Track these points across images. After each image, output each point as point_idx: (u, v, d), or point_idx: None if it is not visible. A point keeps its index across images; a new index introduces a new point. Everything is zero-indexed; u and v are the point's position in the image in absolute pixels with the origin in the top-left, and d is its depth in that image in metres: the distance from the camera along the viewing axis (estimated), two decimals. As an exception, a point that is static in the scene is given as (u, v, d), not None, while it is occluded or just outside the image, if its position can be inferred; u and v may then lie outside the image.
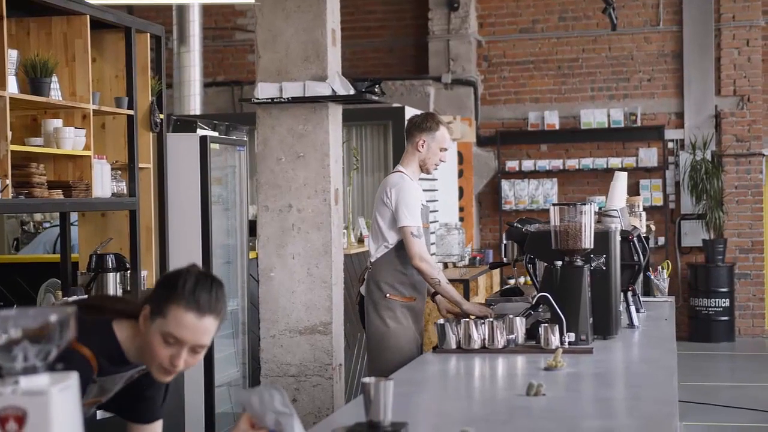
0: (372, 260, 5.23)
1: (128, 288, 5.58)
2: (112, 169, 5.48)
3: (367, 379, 2.73)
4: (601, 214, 5.12)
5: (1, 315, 1.75)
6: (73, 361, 2.46)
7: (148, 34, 5.83)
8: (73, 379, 1.77)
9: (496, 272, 10.78)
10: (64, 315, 1.76)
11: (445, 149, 5.23)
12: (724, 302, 12.00)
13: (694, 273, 12.17)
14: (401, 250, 5.07)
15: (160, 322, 2.55)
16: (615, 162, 12.36)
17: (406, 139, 5.25)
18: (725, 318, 12.04)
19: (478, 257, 10.54)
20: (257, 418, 2.41)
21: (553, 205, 4.38)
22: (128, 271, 5.56)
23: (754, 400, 8.75)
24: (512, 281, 9.94)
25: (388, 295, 5.10)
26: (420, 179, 7.43)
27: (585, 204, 4.34)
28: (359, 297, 5.36)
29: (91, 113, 5.16)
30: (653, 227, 11.55)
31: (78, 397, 1.80)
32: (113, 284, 5.39)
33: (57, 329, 1.76)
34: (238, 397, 2.16)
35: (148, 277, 5.83)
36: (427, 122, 5.20)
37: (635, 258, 4.90)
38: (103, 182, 5.27)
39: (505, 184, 12.71)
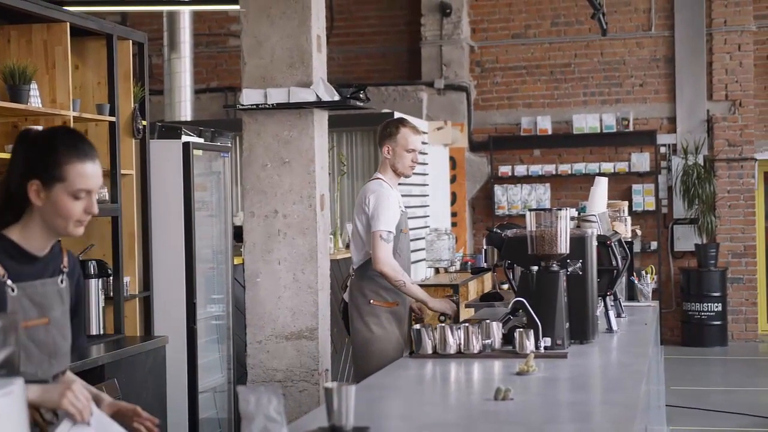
0: (354, 267, 5.29)
1: (111, 294, 5.59)
2: (95, 176, 5.49)
3: (328, 385, 2.76)
4: (580, 219, 5.13)
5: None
6: None
7: (131, 41, 5.85)
8: (17, 385, 1.79)
9: (488, 277, 10.79)
10: (7, 322, 1.77)
11: (413, 150, 5.27)
12: (717, 307, 12.01)
13: (687, 277, 12.17)
14: None
15: (62, 186, 2.64)
16: (607, 167, 12.37)
17: (378, 148, 5.36)
18: (718, 322, 12.04)
19: (470, 262, 10.54)
20: (246, 417, 2.42)
21: (529, 210, 4.39)
22: (110, 278, 5.57)
23: (745, 405, 8.76)
24: (505, 286, 9.94)
25: (372, 301, 5.16)
26: (409, 184, 7.47)
27: (561, 209, 4.35)
28: (342, 303, 5.40)
29: (72, 120, 5.17)
30: (639, 232, 11.54)
31: (24, 404, 1.81)
32: (95, 290, 5.40)
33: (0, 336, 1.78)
34: (239, 390, 2.23)
35: (131, 283, 5.84)
36: (387, 128, 5.31)
37: (613, 263, 4.90)
38: (85, 189, 5.27)
39: (498, 190, 12.72)
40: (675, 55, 12.49)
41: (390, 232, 5.10)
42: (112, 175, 5.61)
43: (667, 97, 12.57)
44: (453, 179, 12.11)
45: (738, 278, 12.38)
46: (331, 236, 8.19)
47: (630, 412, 3.00)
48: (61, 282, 2.78)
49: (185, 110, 10.75)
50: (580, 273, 4.44)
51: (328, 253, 5.73)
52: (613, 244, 4.94)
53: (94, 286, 5.41)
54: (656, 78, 12.60)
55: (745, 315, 12.40)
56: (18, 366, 2.42)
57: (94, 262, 5.44)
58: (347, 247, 8.65)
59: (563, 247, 4.31)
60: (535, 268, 4.31)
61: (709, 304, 12.00)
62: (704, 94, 12.42)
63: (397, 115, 9.41)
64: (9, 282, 2.61)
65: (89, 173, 2.67)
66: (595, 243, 4.60)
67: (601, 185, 5.52)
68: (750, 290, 12.42)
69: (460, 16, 12.74)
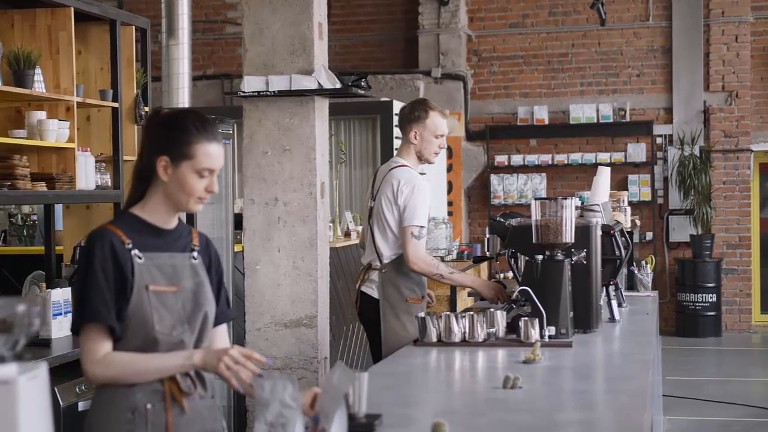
0: (385, 261, 5.00)
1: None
2: (97, 162, 5.49)
3: (342, 372, 2.75)
4: (583, 209, 5.13)
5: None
6: (96, 234, 2.76)
7: (134, 27, 5.83)
8: (41, 369, 1.79)
9: (485, 266, 10.81)
10: (31, 305, 1.77)
11: (441, 135, 5.02)
12: (711, 297, 12.05)
13: (682, 268, 12.20)
14: None
15: (190, 164, 2.78)
16: (604, 157, 12.39)
17: (401, 131, 5.15)
18: (712, 313, 12.08)
19: (466, 251, 10.55)
20: (262, 404, 2.42)
21: (535, 199, 4.39)
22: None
23: (739, 395, 8.80)
24: (500, 275, 9.95)
25: (408, 299, 4.98)
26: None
27: (566, 199, 4.35)
28: (358, 296, 5.17)
29: (75, 105, 5.16)
30: (638, 222, 11.58)
31: (47, 386, 1.81)
32: (97, 276, 5.38)
33: (25, 319, 1.77)
34: (255, 377, 2.30)
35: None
36: (415, 112, 5.02)
37: (617, 252, 4.91)
38: (87, 174, 5.27)
39: (494, 179, 12.74)
40: (672, 45, 12.50)
41: (422, 227, 4.88)
42: (114, 161, 5.60)
43: (663, 87, 12.58)
44: (449, 168, 12.11)
45: (732, 269, 12.42)
46: (330, 225, 8.19)
47: (640, 401, 3.01)
48: (194, 258, 2.89)
49: (183, 97, 10.67)
50: (585, 262, 4.45)
51: (328, 241, 5.72)
52: (615, 233, 4.95)
53: (96, 272, 5.39)
54: (653, 68, 12.61)
55: (739, 306, 12.45)
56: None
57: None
58: (346, 235, 8.64)
59: (568, 236, 4.31)
60: (540, 257, 4.32)
61: (704, 295, 12.04)
62: (701, 85, 12.44)
63: (397, 104, 9.42)
64: (135, 251, 2.76)
65: (214, 153, 2.80)
66: (599, 232, 4.60)
67: (604, 175, 5.53)
68: (744, 281, 12.46)
69: (457, 4, 12.73)
